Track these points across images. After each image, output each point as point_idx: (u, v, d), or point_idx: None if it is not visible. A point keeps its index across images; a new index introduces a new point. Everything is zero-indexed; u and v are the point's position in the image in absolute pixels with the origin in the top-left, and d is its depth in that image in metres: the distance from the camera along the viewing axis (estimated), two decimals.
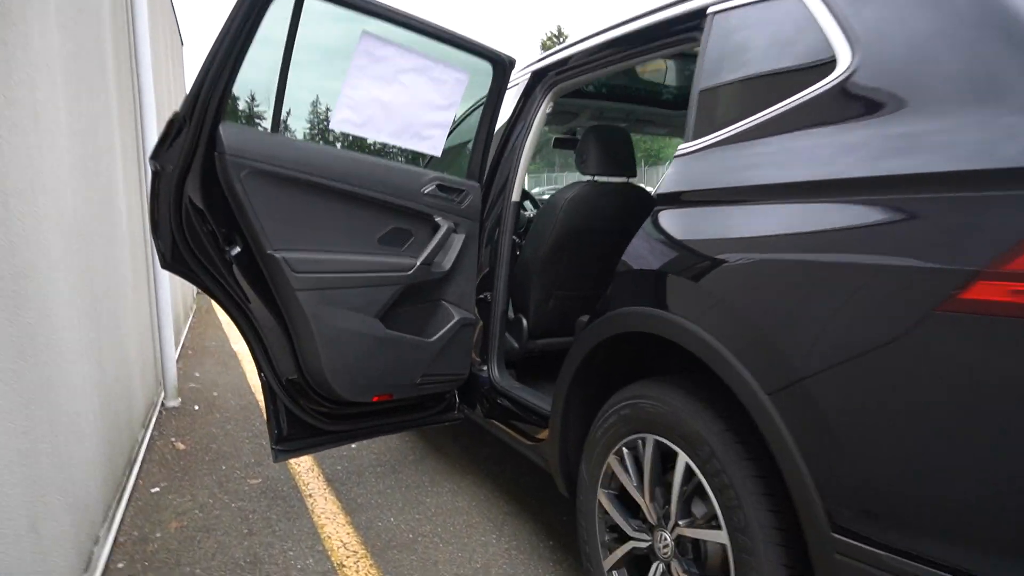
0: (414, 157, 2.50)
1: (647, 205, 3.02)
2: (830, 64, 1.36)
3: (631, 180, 2.83)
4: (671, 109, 3.57)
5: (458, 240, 2.42)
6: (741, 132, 1.49)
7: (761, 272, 1.27)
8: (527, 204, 4.20)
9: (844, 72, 1.32)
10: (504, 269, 2.66)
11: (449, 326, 2.42)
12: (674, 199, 1.61)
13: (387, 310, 2.23)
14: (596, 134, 2.65)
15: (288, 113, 2.18)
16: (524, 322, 2.85)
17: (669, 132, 3.95)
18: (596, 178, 2.72)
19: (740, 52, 1.59)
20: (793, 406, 1.21)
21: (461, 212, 2.41)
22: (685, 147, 1.66)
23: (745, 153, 1.45)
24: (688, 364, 1.87)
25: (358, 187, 2.09)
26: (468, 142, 3.22)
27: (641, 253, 1.64)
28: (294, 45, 1.87)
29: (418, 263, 2.25)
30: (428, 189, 2.30)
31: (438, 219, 2.34)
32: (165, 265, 1.93)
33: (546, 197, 4.98)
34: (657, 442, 1.60)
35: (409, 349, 2.30)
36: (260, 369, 2.13)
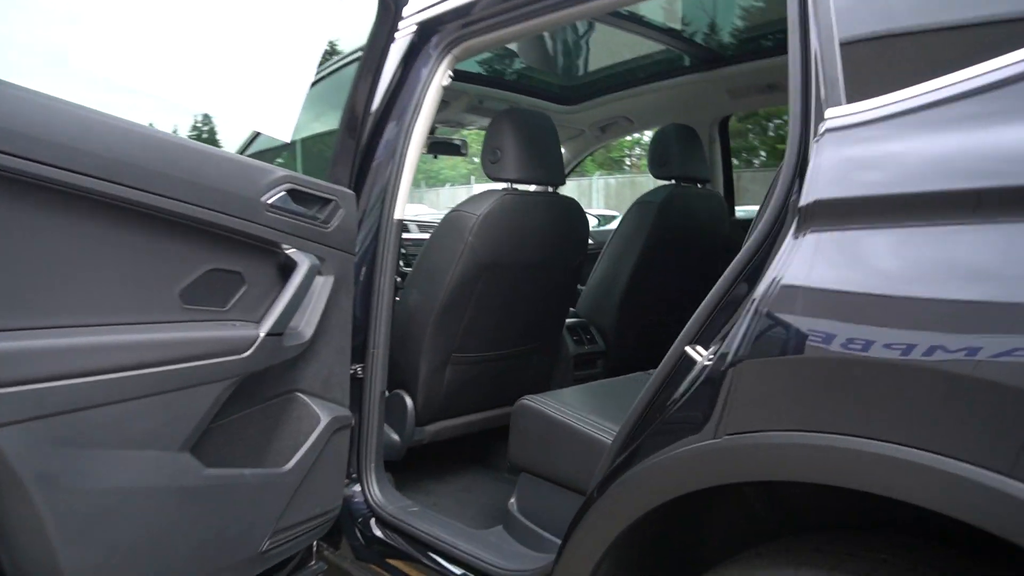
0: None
1: (583, 225, 2.23)
2: None
3: (558, 191, 2.01)
4: (558, 103, 2.82)
5: (324, 287, 1.41)
6: None
7: None
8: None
9: None
10: (384, 326, 1.69)
11: (315, 437, 1.39)
12: (865, 210, 0.80)
13: (204, 429, 1.16)
14: (516, 120, 1.80)
15: None
16: (408, 402, 1.89)
17: None
18: (515, 186, 1.86)
19: None
20: None
21: (327, 238, 1.41)
22: (848, 113, 0.86)
23: None
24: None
25: (139, 189, 1.02)
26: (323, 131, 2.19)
27: (796, 328, 0.80)
28: None
29: (261, 335, 1.21)
30: (274, 197, 1.27)
31: (291, 252, 1.33)
32: None
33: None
34: None
35: (248, 495, 1.24)
36: None
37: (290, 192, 1.31)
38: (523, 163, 1.79)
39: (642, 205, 2.32)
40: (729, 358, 0.86)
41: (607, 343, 2.34)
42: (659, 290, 2.40)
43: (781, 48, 1.02)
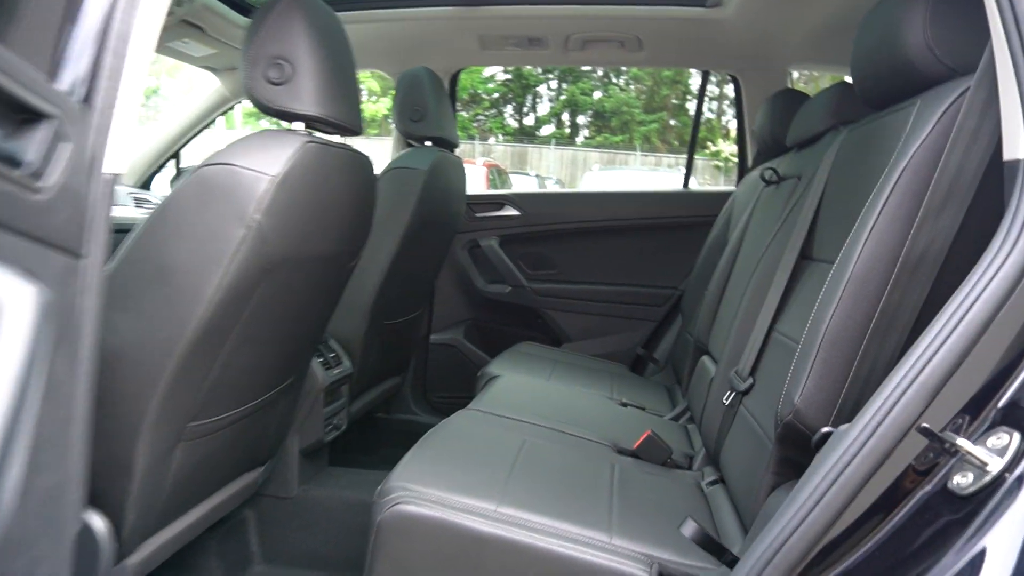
0: None
1: (375, 198, 1.43)
2: None
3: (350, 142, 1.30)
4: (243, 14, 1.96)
5: (37, 351, 0.52)
6: None
7: None
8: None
9: None
10: (82, 395, 0.79)
11: None
12: None
13: None
14: (315, 14, 1.08)
15: None
16: (101, 529, 1.00)
17: None
18: (315, 134, 1.13)
19: None
20: None
21: (40, 219, 0.53)
22: None
23: None
24: None
25: None
26: None
27: None
28: None
29: None
30: None
31: None
32: None
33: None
34: None
35: None
36: None
37: None
38: (328, 91, 1.06)
39: (400, 174, 1.72)
40: None
41: (353, 361, 1.69)
42: (409, 283, 1.85)
43: None
